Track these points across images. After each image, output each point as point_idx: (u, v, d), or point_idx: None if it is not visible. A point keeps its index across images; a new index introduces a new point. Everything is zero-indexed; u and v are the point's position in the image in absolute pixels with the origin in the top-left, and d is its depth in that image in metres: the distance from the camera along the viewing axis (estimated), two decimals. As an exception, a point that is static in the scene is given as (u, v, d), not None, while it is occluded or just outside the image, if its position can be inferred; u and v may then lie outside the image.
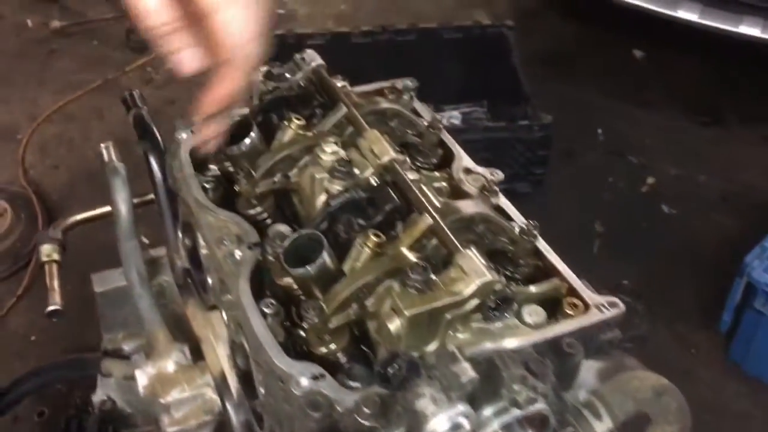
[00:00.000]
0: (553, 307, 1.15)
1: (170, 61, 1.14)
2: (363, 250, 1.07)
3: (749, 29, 4.22)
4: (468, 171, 1.33)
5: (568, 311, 1.12)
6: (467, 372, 0.91)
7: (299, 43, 4.07)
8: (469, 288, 0.99)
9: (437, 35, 4.11)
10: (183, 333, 1.55)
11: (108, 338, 1.66)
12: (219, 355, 1.38)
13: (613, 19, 4.97)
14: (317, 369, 1.01)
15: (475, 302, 1.02)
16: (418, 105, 1.45)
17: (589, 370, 1.24)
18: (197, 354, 1.49)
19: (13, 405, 1.61)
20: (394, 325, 0.99)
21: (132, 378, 1.49)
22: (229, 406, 1.32)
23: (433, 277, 1.01)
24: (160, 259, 1.65)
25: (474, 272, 1.00)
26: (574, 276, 1.17)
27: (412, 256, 1.05)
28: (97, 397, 1.68)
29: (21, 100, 4.77)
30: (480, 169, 1.33)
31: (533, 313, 1.11)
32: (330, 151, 1.18)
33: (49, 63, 4.98)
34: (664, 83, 4.92)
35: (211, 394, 1.40)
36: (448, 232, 1.06)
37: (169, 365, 1.42)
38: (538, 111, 3.76)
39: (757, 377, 3.45)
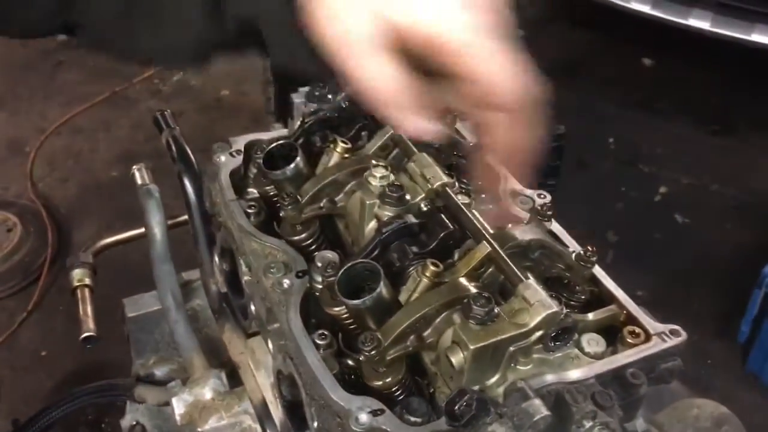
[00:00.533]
0: (611, 335, 1.12)
1: (410, 133, 0.94)
2: (421, 280, 1.04)
3: (761, 37, 4.21)
4: (515, 193, 1.30)
5: (629, 340, 1.08)
6: (540, 409, 0.88)
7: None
8: (534, 320, 0.96)
9: (449, 46, 4.09)
10: (217, 358, 1.52)
11: (139, 363, 1.63)
12: (260, 383, 1.35)
13: (621, 28, 4.96)
14: (376, 404, 0.98)
15: (539, 334, 0.99)
16: (459, 125, 1.42)
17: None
18: (233, 379, 1.46)
19: (45, 430, 1.58)
20: (457, 358, 0.96)
21: (166, 404, 1.46)
22: (272, 437, 1.29)
23: (496, 308, 0.98)
24: (192, 282, 1.63)
25: (539, 303, 0.97)
26: (632, 303, 1.14)
27: (471, 287, 1.02)
28: (126, 421, 1.64)
29: (28, 112, 4.75)
30: (527, 192, 1.30)
31: (593, 342, 1.08)
32: (380, 176, 1.15)
33: (57, 75, 4.96)
34: (674, 92, 4.91)
35: (250, 422, 1.37)
36: (508, 260, 1.03)
37: (207, 392, 1.39)
38: (550, 121, 3.73)
39: (776, 389, 3.42)
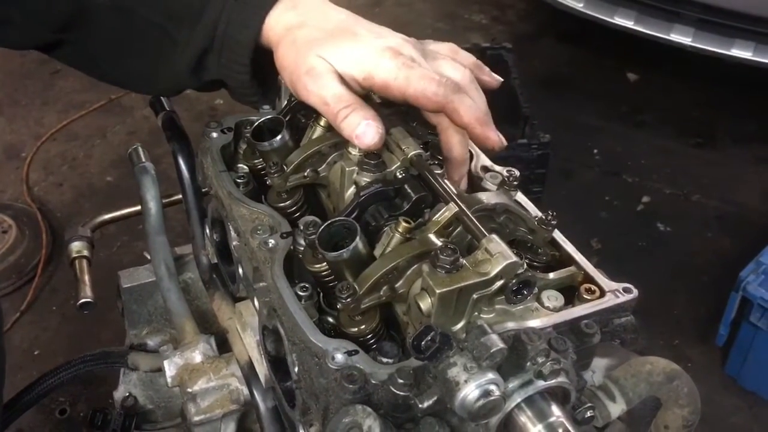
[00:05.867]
0: (570, 294, 1.21)
1: (356, 138, 1.22)
2: (393, 235, 1.14)
3: (741, 52, 4.35)
4: (486, 169, 1.40)
5: (585, 296, 1.18)
6: (497, 343, 0.97)
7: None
8: (495, 269, 1.06)
9: (437, 56, 4.20)
10: (208, 329, 1.60)
11: (133, 333, 1.71)
12: (246, 344, 1.44)
13: (607, 43, 5.09)
14: (351, 345, 1.07)
15: (500, 283, 1.08)
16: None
17: (599, 365, 1.30)
18: (222, 348, 1.55)
19: (40, 398, 1.65)
20: (425, 303, 1.05)
21: (158, 370, 1.54)
22: (256, 393, 1.37)
23: (461, 259, 1.07)
24: (185, 257, 1.72)
25: (499, 254, 1.06)
26: (589, 264, 1.23)
27: (439, 241, 1.12)
28: (119, 393, 1.72)
29: (25, 119, 4.85)
30: (497, 168, 1.40)
31: (552, 298, 1.17)
32: (359, 146, 1.25)
33: (54, 83, 5.07)
34: (658, 105, 5.04)
35: (237, 384, 1.46)
36: (474, 219, 1.13)
37: (196, 356, 1.48)
38: (536, 130, 3.84)
39: (754, 391, 3.50)
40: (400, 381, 1.00)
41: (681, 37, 4.46)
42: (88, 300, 1.54)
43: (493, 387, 0.96)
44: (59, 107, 4.92)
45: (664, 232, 4.27)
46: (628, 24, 4.59)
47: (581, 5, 4.70)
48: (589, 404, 1.13)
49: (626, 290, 1.19)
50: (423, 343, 0.98)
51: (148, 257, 1.68)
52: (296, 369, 1.14)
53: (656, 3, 4.45)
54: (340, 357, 1.05)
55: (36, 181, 4.46)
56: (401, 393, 1.01)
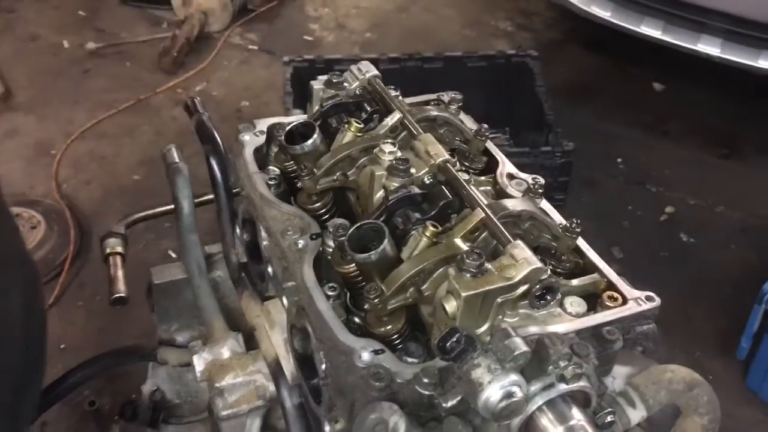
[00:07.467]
0: (593, 301, 1.23)
1: None
2: (421, 238, 1.17)
3: (768, 63, 4.32)
4: (511, 176, 1.42)
5: (608, 303, 1.20)
6: (520, 346, 1.00)
7: (328, 67, 4.19)
8: (520, 274, 1.08)
9: (462, 63, 4.22)
10: (236, 326, 1.64)
11: (163, 329, 1.75)
12: (274, 341, 1.47)
13: (633, 52, 5.08)
14: (378, 345, 1.10)
15: (524, 288, 1.10)
16: (463, 116, 1.55)
17: (620, 372, 1.32)
18: (250, 345, 1.58)
19: (71, 390, 1.69)
20: (451, 305, 1.08)
21: (187, 365, 1.58)
22: (283, 390, 1.41)
23: (487, 264, 1.10)
24: (214, 255, 1.75)
25: (524, 260, 1.09)
26: (613, 272, 1.26)
27: (465, 246, 1.15)
28: (147, 387, 1.76)
29: (56, 117, 4.91)
30: (522, 175, 1.43)
31: (575, 304, 1.20)
32: (388, 151, 1.28)
33: (84, 82, 5.13)
34: (683, 115, 5.01)
35: (263, 381, 1.49)
36: (500, 225, 1.16)
37: (225, 352, 1.51)
38: (560, 138, 3.84)
39: (776, 406, 3.47)
40: (425, 380, 1.03)
41: (709, 47, 4.43)
42: (122, 295, 1.58)
43: (515, 389, 0.99)
44: (89, 106, 4.98)
45: (688, 243, 4.25)
46: (655, 34, 4.57)
47: (608, 14, 4.69)
48: (610, 409, 1.14)
49: (649, 298, 1.21)
50: (448, 344, 1.01)
51: (174, 255, 1.72)
52: (323, 366, 1.17)
53: (684, 13, 4.43)
54: (367, 356, 1.09)
55: (65, 179, 4.51)
56: (426, 392, 1.04)
